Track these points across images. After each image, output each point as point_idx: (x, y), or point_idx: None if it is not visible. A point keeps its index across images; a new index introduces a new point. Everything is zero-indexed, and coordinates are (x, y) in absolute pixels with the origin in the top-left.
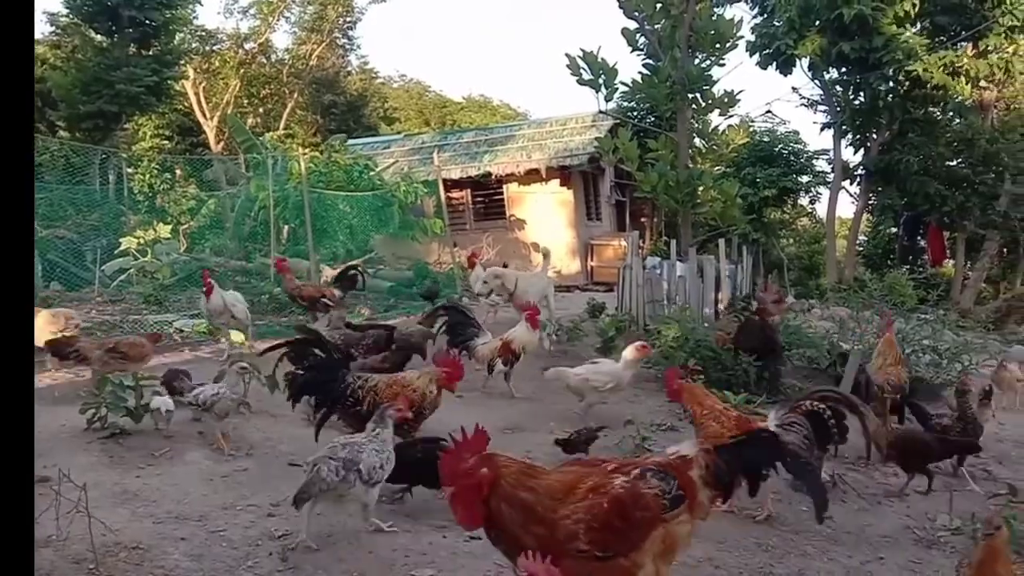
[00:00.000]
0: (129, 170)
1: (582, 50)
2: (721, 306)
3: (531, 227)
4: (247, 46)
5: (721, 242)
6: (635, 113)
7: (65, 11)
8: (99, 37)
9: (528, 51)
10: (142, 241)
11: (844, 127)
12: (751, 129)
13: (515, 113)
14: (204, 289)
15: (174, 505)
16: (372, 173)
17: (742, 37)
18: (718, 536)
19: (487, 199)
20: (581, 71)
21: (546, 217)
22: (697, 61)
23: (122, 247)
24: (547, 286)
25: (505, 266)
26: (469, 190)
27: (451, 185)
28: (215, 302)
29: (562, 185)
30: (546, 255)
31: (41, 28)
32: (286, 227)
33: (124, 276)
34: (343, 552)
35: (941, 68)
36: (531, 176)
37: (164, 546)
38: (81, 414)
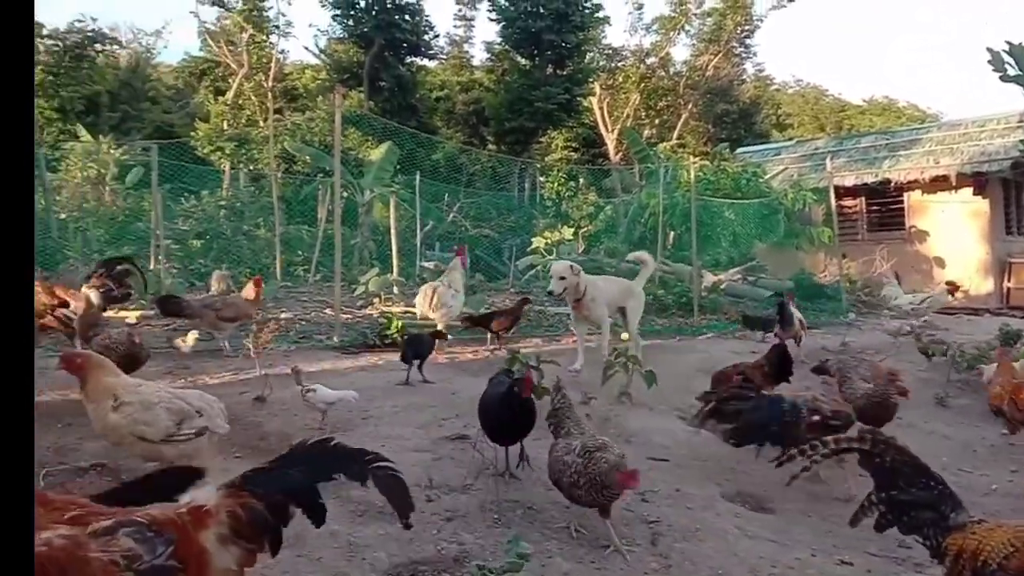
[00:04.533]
0: (541, 179)
1: (1008, 43)
2: None
3: (934, 240)
4: (648, 61)
5: None
6: None
7: (499, 39)
8: (523, 61)
9: (942, 47)
10: (549, 241)
11: None
12: None
13: (923, 115)
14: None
15: None
16: (760, 181)
17: None
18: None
19: (883, 208)
20: (1006, 66)
21: (953, 229)
22: None
23: (532, 246)
24: (621, 295)
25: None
26: (863, 198)
27: (843, 192)
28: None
29: (975, 193)
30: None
31: (479, 56)
32: (672, 233)
33: (533, 272)
34: (708, 548)
35: None
36: (937, 183)
37: None
38: None
